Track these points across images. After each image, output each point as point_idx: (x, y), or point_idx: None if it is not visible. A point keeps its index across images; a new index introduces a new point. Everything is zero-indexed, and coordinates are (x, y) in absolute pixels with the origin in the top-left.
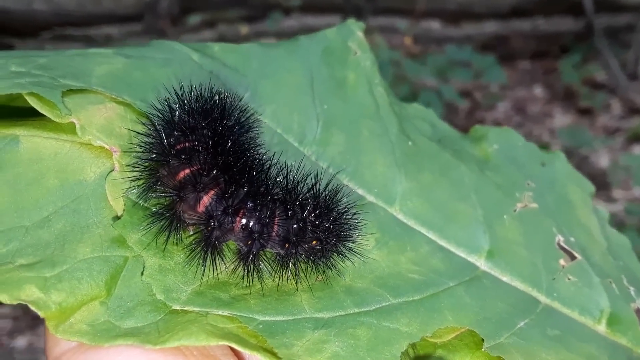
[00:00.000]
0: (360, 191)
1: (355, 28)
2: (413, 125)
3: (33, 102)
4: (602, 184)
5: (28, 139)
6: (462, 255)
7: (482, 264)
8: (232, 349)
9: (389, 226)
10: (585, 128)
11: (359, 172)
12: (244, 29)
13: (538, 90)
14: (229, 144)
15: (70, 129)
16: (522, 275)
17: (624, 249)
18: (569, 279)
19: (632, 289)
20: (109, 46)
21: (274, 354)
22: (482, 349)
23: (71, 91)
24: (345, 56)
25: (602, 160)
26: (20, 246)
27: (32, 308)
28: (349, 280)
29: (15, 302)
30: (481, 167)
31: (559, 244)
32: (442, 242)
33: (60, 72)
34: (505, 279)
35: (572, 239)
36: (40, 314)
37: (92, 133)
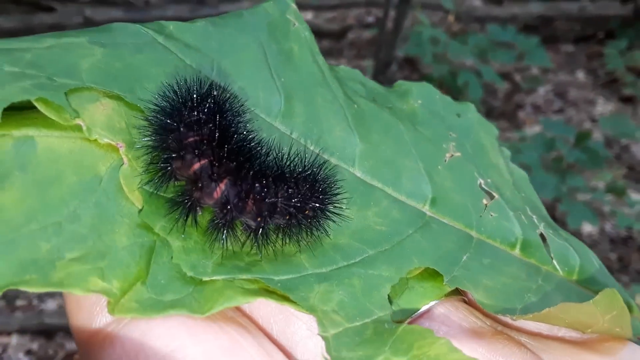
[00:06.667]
0: (325, 156)
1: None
2: (350, 87)
3: (42, 107)
4: None
5: (42, 139)
6: (413, 204)
7: (427, 210)
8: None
9: (354, 185)
10: (627, 117)
11: (322, 139)
12: None
13: (580, 75)
14: (231, 133)
15: (76, 126)
16: (457, 216)
17: (524, 181)
18: (491, 215)
19: (534, 216)
20: (83, 30)
21: (297, 305)
22: (443, 283)
23: (69, 91)
24: (287, 29)
25: None
26: (61, 241)
27: (104, 296)
28: (333, 238)
29: (87, 294)
30: (413, 123)
31: (480, 186)
32: (396, 195)
33: (52, 69)
34: (446, 221)
35: (489, 180)
36: (110, 300)
37: (98, 132)
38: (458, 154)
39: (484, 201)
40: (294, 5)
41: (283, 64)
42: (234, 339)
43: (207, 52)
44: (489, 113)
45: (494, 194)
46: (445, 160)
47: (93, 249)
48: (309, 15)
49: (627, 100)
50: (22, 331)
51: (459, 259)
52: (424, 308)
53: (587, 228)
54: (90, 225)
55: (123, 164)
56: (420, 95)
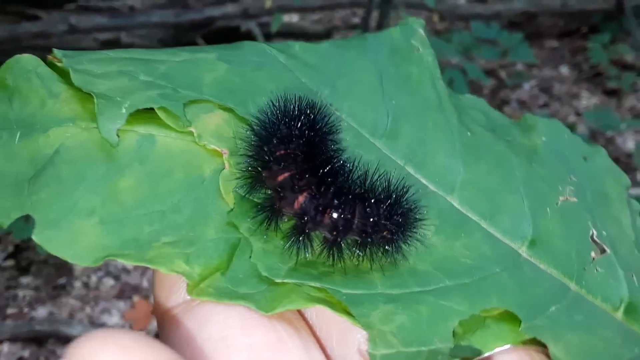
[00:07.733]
0: (424, 181)
1: (417, 26)
2: (469, 115)
3: (161, 115)
4: (627, 168)
5: (161, 138)
6: (508, 243)
7: (524, 251)
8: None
9: (447, 214)
10: (611, 109)
11: (424, 163)
12: (268, 2)
13: (565, 70)
14: (318, 149)
15: (189, 132)
16: (557, 264)
17: None
18: (597, 270)
19: None
20: (211, 48)
21: (354, 319)
22: (520, 329)
23: (189, 101)
24: (409, 53)
25: (629, 143)
26: (160, 227)
27: (184, 278)
28: (412, 263)
29: (169, 273)
30: (530, 159)
31: (592, 238)
32: (492, 230)
33: (178, 82)
34: (542, 266)
35: (604, 232)
36: (189, 282)
37: (207, 139)
38: (574, 199)
39: (592, 254)
40: (421, 31)
41: (398, 87)
42: (281, 339)
43: (325, 71)
44: None
45: (606, 248)
46: (557, 204)
47: (185, 237)
48: (294, 17)
49: (611, 93)
50: (13, 339)
51: (546, 308)
52: (495, 350)
53: None
54: (188, 217)
55: (224, 168)
56: (545, 132)
